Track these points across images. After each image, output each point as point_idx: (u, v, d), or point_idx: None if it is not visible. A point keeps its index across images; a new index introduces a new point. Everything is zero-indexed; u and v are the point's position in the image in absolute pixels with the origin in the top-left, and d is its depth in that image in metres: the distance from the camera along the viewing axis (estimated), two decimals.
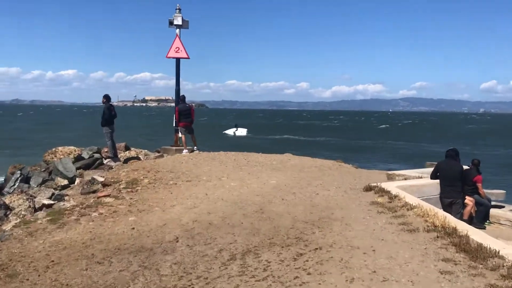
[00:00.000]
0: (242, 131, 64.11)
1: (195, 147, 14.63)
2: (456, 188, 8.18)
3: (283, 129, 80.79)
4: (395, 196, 6.84)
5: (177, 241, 5.16)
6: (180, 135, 14.38)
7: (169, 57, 15.50)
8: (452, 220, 5.41)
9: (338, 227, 5.53)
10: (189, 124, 14.29)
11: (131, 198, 8.16)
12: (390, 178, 9.44)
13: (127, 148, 17.27)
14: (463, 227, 5.18)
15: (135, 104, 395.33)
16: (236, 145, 44.75)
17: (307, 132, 72.80)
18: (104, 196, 8.48)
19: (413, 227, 5.31)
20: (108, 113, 13.36)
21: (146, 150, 19.00)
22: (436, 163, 12.03)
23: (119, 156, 14.70)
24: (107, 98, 13.65)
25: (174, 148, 14.87)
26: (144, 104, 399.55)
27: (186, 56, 15.49)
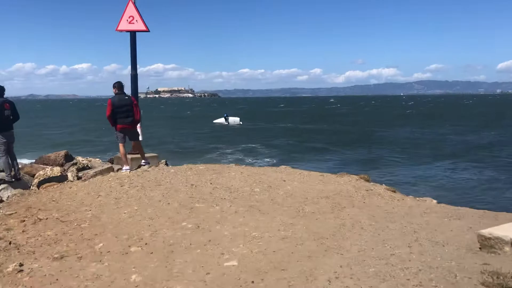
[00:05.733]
0: (234, 120, 57.37)
1: (142, 161, 9.63)
2: None
3: (291, 116, 74.32)
4: None
5: None
6: (119, 144, 9.27)
7: (120, 30, 10.42)
8: None
9: None
10: (129, 126, 9.24)
11: None
12: (489, 248, 4.26)
13: (67, 158, 12.43)
14: None
15: (148, 96, 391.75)
16: (225, 139, 38.66)
17: (318, 119, 66.57)
18: None
19: None
20: None
21: (98, 159, 14.14)
22: None
23: (40, 172, 9.99)
24: None
25: (130, 157, 9.85)
26: (156, 96, 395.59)
27: (144, 28, 10.39)
